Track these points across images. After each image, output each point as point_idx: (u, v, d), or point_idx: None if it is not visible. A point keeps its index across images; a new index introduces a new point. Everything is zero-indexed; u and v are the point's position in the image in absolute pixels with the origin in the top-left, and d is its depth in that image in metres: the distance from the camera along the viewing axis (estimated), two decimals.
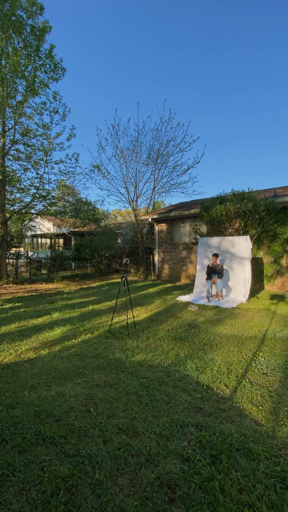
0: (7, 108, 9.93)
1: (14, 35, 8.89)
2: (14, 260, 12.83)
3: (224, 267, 7.99)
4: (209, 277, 7.61)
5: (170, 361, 3.48)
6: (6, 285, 10.29)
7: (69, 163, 11.54)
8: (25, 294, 8.57)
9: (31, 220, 15.34)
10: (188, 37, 52.66)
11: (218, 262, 7.68)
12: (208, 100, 69.46)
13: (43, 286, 10.38)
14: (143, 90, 61.00)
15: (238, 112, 73.10)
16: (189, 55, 57.03)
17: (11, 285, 10.43)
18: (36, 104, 10.36)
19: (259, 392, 2.74)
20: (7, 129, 10.40)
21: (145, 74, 62.01)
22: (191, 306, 6.49)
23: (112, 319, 5.20)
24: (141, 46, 56.46)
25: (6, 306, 6.89)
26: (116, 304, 5.38)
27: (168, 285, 10.52)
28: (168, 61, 57.80)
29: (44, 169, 11.19)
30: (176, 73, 60.47)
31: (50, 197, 11.89)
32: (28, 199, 11.66)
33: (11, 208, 11.80)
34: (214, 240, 8.35)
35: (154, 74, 61.67)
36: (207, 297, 7.40)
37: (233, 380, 2.99)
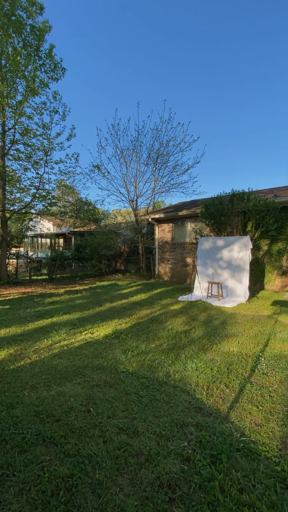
0: (7, 108, 9.93)
1: (14, 35, 8.88)
2: (14, 260, 12.82)
3: (224, 267, 7.99)
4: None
5: (170, 361, 3.48)
6: (6, 285, 10.29)
7: (69, 163, 11.54)
8: (25, 295, 8.58)
9: (31, 220, 15.33)
10: (185, 30, 51.91)
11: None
12: (208, 94, 68.66)
13: (43, 287, 10.38)
14: (143, 88, 60.73)
15: (238, 105, 72.10)
16: (188, 49, 56.33)
17: (11, 285, 10.43)
18: (36, 104, 10.37)
19: (259, 392, 2.74)
20: (7, 129, 10.40)
21: (145, 71, 61.58)
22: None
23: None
24: (141, 41, 55.85)
25: (7, 307, 6.89)
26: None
27: (169, 285, 10.53)
28: (169, 56, 57.13)
29: (44, 169, 11.19)
30: (177, 68, 59.94)
31: (50, 197, 11.88)
32: (28, 199, 11.66)
33: (11, 208, 11.79)
34: (214, 240, 8.34)
35: (154, 70, 61.25)
36: (207, 297, 7.40)
37: (233, 380, 2.99)
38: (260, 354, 3.70)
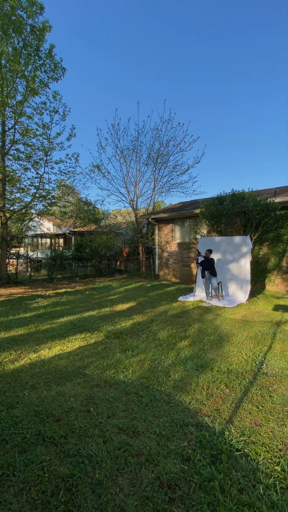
0: (7, 108, 9.93)
1: (14, 35, 8.88)
2: (15, 260, 12.82)
3: (225, 267, 7.99)
4: (203, 274, 7.50)
5: (170, 361, 3.48)
6: (6, 285, 10.29)
7: (69, 162, 11.55)
8: (25, 295, 8.58)
9: (31, 220, 15.33)
10: (187, 22, 51.22)
11: (211, 257, 7.43)
12: (209, 89, 68.09)
13: (43, 287, 10.38)
14: (143, 83, 60.48)
15: (238, 101, 71.16)
16: (189, 43, 55.73)
17: (11, 285, 10.43)
18: (36, 103, 10.37)
19: (259, 392, 2.74)
20: (7, 129, 10.40)
21: (146, 65, 61.21)
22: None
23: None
24: (141, 36, 55.38)
25: (7, 307, 6.89)
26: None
27: (169, 285, 10.53)
28: (170, 50, 56.44)
29: (44, 169, 11.19)
30: (178, 61, 59.30)
31: (50, 197, 11.89)
32: (28, 199, 11.66)
33: (11, 208, 11.80)
34: (214, 240, 8.34)
35: (155, 65, 60.85)
36: (207, 297, 7.40)
37: (233, 380, 2.99)
38: (260, 354, 3.70)
